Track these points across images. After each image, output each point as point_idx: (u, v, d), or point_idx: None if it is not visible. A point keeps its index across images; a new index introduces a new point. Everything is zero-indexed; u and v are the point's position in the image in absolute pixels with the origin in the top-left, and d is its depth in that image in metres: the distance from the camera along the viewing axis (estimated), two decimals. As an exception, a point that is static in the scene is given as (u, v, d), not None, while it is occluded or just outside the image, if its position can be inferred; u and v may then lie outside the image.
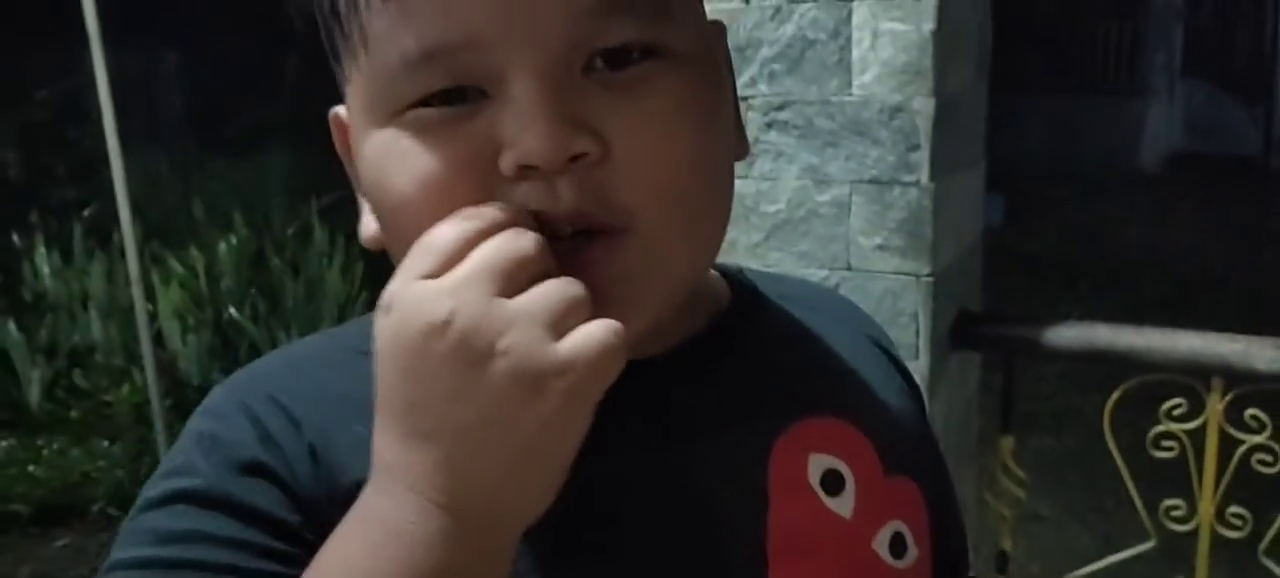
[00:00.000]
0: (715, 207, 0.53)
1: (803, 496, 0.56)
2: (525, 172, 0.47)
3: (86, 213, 5.71)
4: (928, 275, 1.58)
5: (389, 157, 0.50)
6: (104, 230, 5.58)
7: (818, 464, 0.57)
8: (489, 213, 0.46)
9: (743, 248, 1.68)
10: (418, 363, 0.44)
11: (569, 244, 0.47)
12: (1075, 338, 1.61)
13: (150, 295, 4.70)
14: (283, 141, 7.42)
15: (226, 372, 4.25)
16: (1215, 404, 1.62)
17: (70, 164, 7.14)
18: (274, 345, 4.56)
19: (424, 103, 0.48)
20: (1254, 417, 1.63)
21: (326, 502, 0.51)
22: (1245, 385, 1.60)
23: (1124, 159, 11.07)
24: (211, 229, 5.59)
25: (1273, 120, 11.24)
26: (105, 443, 4.18)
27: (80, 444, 4.18)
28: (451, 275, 0.44)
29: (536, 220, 0.47)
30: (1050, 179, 9.58)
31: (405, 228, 0.49)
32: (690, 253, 0.52)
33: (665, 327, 0.53)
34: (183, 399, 4.25)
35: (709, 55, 0.53)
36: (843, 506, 0.57)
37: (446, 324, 0.43)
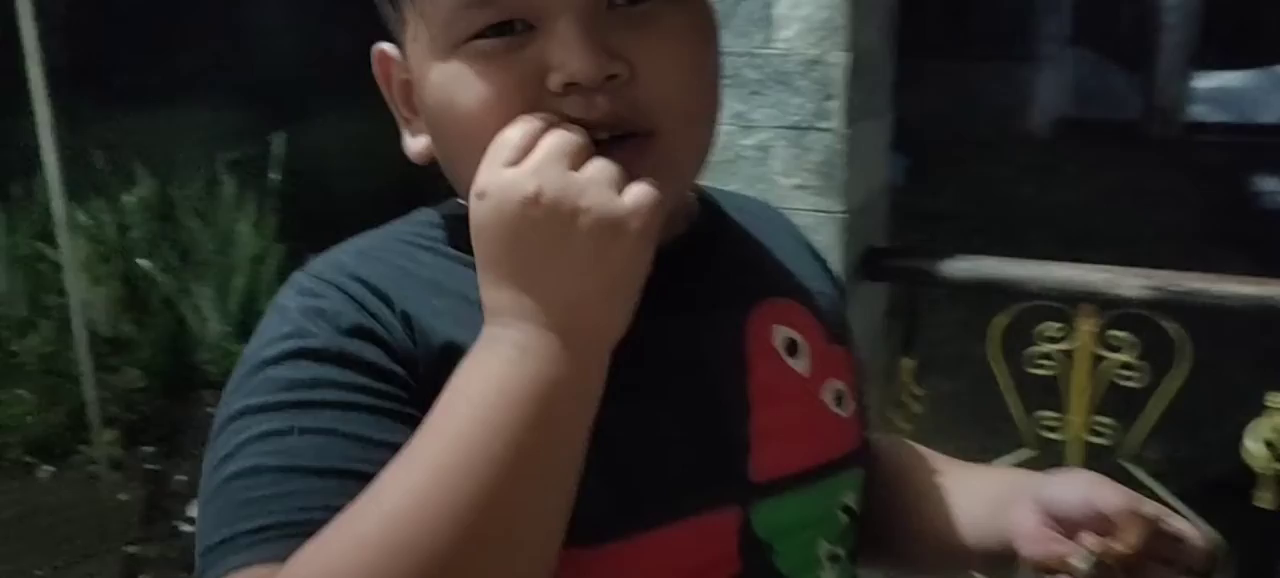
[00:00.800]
0: (711, 114, 0.66)
1: (772, 357, 0.70)
2: (570, 88, 0.59)
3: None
4: (841, 212, 1.74)
5: (456, 82, 0.61)
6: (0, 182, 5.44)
7: (780, 334, 0.71)
8: (544, 116, 0.58)
9: (673, 189, 1.81)
10: (520, 228, 0.55)
11: (605, 147, 0.59)
12: (967, 269, 1.80)
13: (54, 246, 4.61)
14: (184, 94, 7.25)
15: (136, 322, 4.21)
16: (1085, 326, 1.81)
17: (-47, 117, 6.88)
18: (187, 295, 4.53)
19: (479, 36, 0.60)
20: (1118, 337, 1.81)
21: (422, 359, 0.61)
22: (1112, 310, 1.79)
23: (1017, 122, 11.49)
24: (115, 182, 5.48)
25: (1153, 88, 11.73)
26: (18, 392, 4.09)
27: None
28: (529, 160, 0.56)
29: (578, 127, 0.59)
30: (949, 141, 9.92)
31: (473, 137, 0.60)
32: (695, 152, 0.66)
33: (664, 224, 0.67)
34: (93, 349, 4.21)
35: None
36: (800, 365, 0.71)
37: (537, 195, 0.55)
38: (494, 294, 0.57)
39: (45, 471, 3.81)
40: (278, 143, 5.61)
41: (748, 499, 0.66)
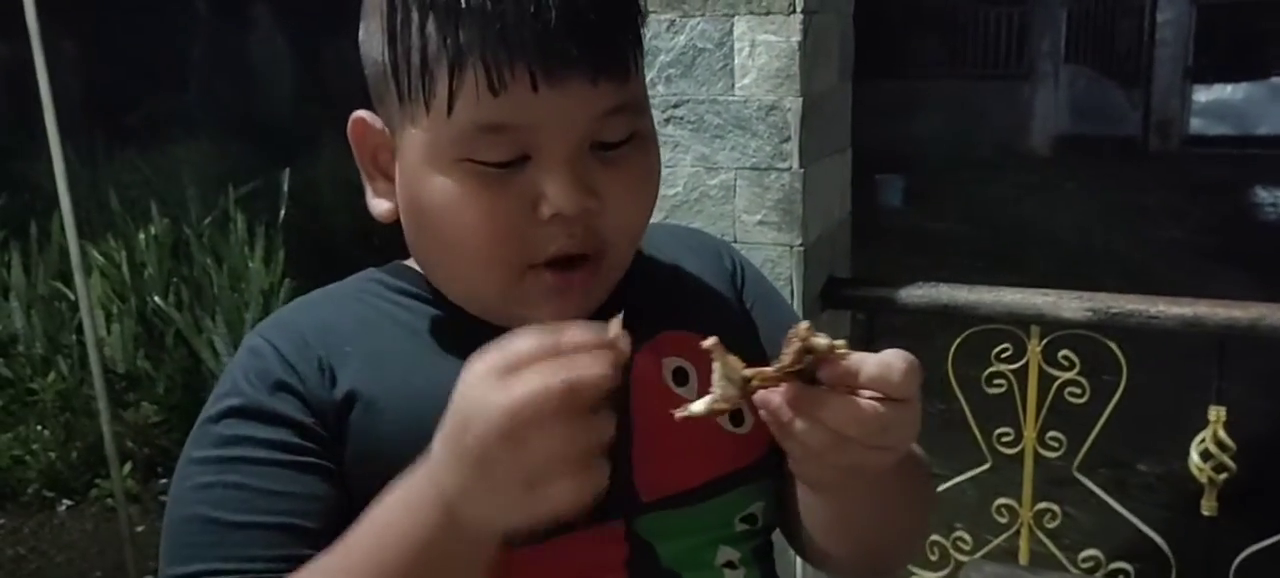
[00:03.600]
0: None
1: (656, 389, 0.78)
2: (554, 218, 0.70)
3: (-3, 205, 5.65)
4: (800, 245, 1.86)
5: (458, 195, 0.71)
6: (18, 223, 5.55)
7: (668, 365, 0.80)
8: (565, 336, 0.60)
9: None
10: (472, 423, 0.59)
11: (565, 266, 0.72)
12: (922, 296, 1.91)
13: (70, 286, 4.71)
14: (192, 132, 7.35)
15: (151, 358, 4.29)
16: (1034, 347, 1.92)
17: (-27, 158, 7.01)
18: (200, 332, 4.63)
19: (483, 161, 0.70)
20: (1066, 357, 1.92)
21: (329, 407, 0.73)
22: (1057, 331, 1.90)
23: (1016, 141, 11.55)
24: (128, 220, 5.60)
25: (1150, 104, 11.79)
26: (37, 428, 4.20)
27: (8, 431, 4.21)
28: (519, 385, 0.57)
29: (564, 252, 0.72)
30: (948, 161, 9.99)
31: (463, 245, 0.72)
32: (628, 262, 0.79)
33: None
34: (110, 386, 4.31)
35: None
36: (689, 392, 0.79)
37: (508, 436, 0.57)
38: (438, 439, 0.62)
39: (63, 505, 3.91)
40: (286, 178, 5.74)
41: (633, 515, 0.76)
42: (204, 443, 0.74)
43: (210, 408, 0.75)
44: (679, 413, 0.65)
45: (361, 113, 0.77)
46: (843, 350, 0.64)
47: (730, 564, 0.80)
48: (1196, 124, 12.08)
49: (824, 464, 0.66)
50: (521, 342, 0.59)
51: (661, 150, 2.02)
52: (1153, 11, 11.71)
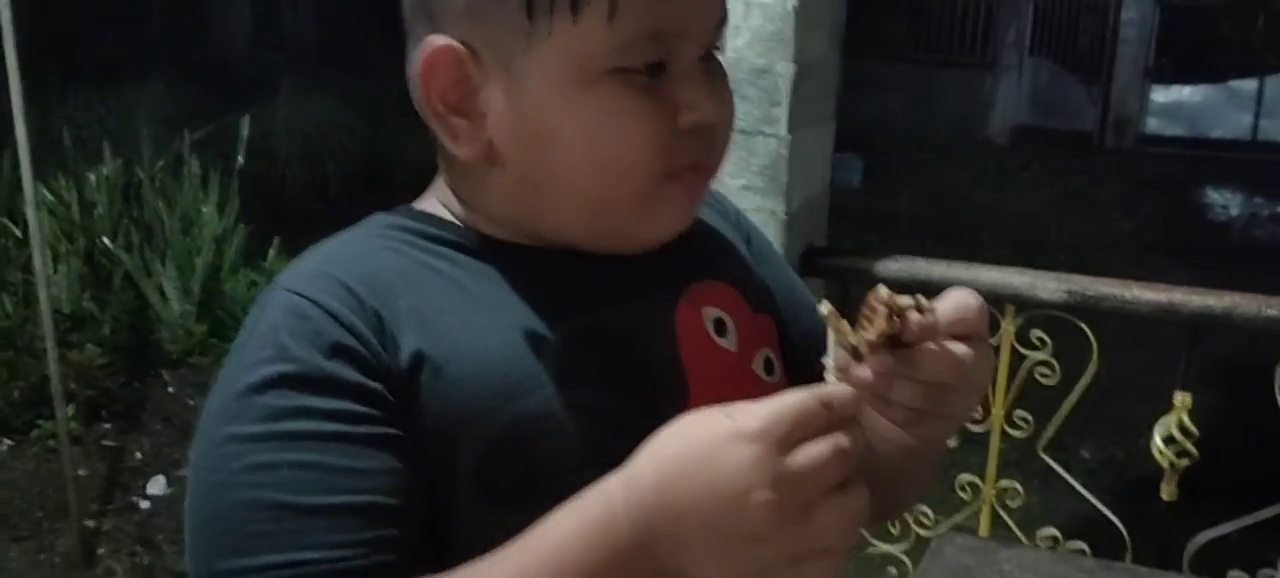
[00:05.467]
0: None
1: (702, 338, 0.76)
2: (696, 126, 0.70)
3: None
4: (784, 213, 1.85)
5: (610, 110, 0.68)
6: None
7: (709, 315, 0.77)
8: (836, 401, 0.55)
9: (627, 186, 1.93)
10: (727, 508, 0.53)
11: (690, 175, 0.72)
12: (899, 269, 1.91)
13: (18, 223, 4.61)
14: (148, 74, 7.22)
15: (97, 300, 4.23)
16: (1008, 326, 1.93)
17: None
18: (149, 276, 4.55)
19: (632, 69, 0.67)
20: (1038, 337, 1.93)
21: (393, 365, 0.65)
22: (1032, 311, 1.92)
23: (975, 129, 11.68)
24: (80, 159, 5.47)
25: (1109, 100, 11.98)
26: None
27: None
28: (787, 469, 0.53)
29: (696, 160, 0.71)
30: (906, 144, 10.08)
31: (619, 161, 0.69)
32: None
33: None
34: (55, 325, 4.22)
35: None
36: (729, 342, 0.77)
37: (769, 509, 0.52)
38: (654, 498, 0.56)
39: (4, 444, 3.83)
40: (245, 125, 5.63)
41: None
42: (248, 418, 0.64)
43: (247, 376, 0.65)
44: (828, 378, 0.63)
45: (440, 40, 0.68)
46: (928, 305, 0.65)
47: None
48: (1152, 123, 12.29)
49: (927, 420, 0.67)
50: (780, 404, 0.53)
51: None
52: (1118, 10, 11.86)
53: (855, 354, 0.63)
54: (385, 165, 6.34)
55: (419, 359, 0.66)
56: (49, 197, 4.94)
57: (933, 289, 1.93)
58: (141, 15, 8.58)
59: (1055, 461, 1.99)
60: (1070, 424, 1.97)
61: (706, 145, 0.72)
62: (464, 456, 0.66)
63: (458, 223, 0.75)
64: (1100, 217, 8.48)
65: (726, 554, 0.55)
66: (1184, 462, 1.86)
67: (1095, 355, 1.90)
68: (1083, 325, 1.87)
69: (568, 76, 0.68)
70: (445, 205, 0.76)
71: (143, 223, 4.94)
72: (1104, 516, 1.98)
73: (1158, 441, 1.86)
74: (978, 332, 0.65)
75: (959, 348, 0.64)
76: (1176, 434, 1.84)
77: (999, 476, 2.02)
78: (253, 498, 0.63)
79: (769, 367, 0.80)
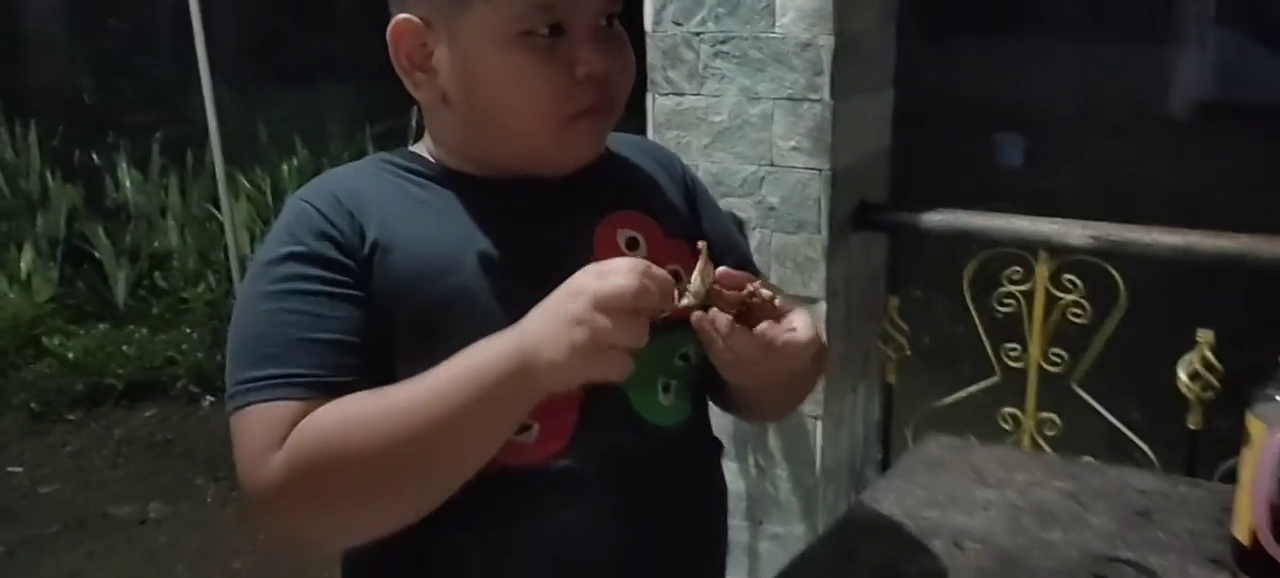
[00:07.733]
0: None
1: (613, 251, 0.97)
2: (589, 77, 0.93)
3: (159, 135, 6.14)
4: (827, 171, 2.07)
5: (518, 65, 0.92)
6: (176, 150, 6.01)
7: (623, 235, 1.00)
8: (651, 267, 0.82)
9: (696, 149, 2.17)
10: (574, 297, 0.81)
11: (593, 113, 0.95)
12: (941, 221, 2.09)
13: (221, 209, 5.14)
14: (337, 73, 7.78)
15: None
16: (1042, 269, 2.07)
17: (139, 90, 7.44)
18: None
19: (534, 33, 0.91)
20: (1070, 280, 2.05)
21: (360, 248, 0.92)
22: (1063, 256, 2.04)
23: (1153, 105, 11.17)
24: (273, 152, 6.04)
25: (1300, 68, 11.22)
26: (187, 332, 4.63)
27: (163, 334, 4.61)
28: (613, 280, 0.80)
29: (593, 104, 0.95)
30: (1076, 123, 9.76)
31: (519, 105, 0.93)
32: (620, 115, 1.02)
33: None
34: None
35: None
36: (639, 254, 0.98)
37: (595, 298, 0.80)
38: (537, 312, 0.84)
39: (207, 400, 4.33)
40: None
41: None
42: (266, 279, 0.92)
43: (270, 252, 0.94)
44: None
45: (403, 15, 0.95)
46: (764, 294, 0.89)
47: (666, 388, 1.01)
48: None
49: (740, 373, 0.92)
50: (621, 261, 0.81)
51: (709, 82, 2.26)
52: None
53: (709, 293, 0.87)
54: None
55: (375, 245, 0.93)
56: (247, 185, 5.49)
57: (972, 239, 2.10)
58: (331, 20, 9.27)
59: (1088, 394, 2.12)
60: (1102, 361, 2.10)
61: (603, 92, 0.96)
62: (403, 315, 0.92)
63: (430, 160, 1.03)
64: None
65: (555, 335, 0.81)
66: (1208, 394, 1.97)
67: (1123, 296, 2.03)
68: (1110, 269, 2.01)
69: (488, 39, 0.92)
70: (427, 148, 1.05)
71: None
72: (1135, 443, 2.10)
73: (1182, 375, 1.97)
74: (793, 339, 0.88)
75: (774, 338, 0.88)
76: (1200, 369, 1.95)
77: (1038, 408, 2.18)
78: (261, 332, 0.91)
79: (676, 278, 0.94)
